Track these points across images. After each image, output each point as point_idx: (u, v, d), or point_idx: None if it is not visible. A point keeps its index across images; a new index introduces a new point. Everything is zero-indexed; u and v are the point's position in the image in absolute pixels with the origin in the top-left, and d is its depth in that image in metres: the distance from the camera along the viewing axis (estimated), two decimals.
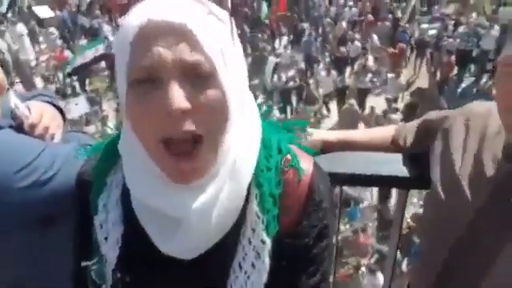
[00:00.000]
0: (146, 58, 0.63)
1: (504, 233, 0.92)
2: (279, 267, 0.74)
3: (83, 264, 0.80)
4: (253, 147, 0.76)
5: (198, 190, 0.70)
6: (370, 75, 10.73)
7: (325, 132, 1.35)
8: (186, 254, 0.72)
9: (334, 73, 11.24)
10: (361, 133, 1.35)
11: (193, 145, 0.66)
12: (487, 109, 1.07)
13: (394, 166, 1.21)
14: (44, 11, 16.30)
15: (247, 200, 0.74)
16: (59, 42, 14.38)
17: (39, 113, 1.09)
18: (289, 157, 0.78)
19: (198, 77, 0.64)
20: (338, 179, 1.21)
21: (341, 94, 10.81)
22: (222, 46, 0.67)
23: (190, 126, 0.64)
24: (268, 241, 0.73)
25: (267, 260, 0.73)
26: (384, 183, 1.35)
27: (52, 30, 14.76)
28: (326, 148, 1.27)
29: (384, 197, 7.29)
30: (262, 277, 0.73)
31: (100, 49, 11.86)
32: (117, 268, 0.77)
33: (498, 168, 0.96)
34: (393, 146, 1.26)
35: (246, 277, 0.73)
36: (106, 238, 0.78)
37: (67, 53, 12.45)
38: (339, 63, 12.13)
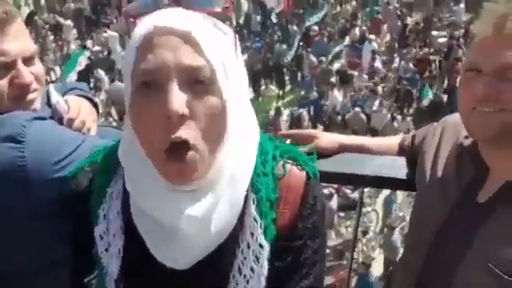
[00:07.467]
0: (150, 61, 0.66)
1: (468, 239, 0.92)
2: (273, 270, 0.75)
3: (84, 279, 0.81)
4: (250, 155, 0.77)
5: (193, 199, 0.71)
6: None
7: (342, 136, 1.36)
8: (181, 264, 0.73)
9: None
10: (372, 140, 1.38)
11: (186, 151, 0.67)
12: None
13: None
14: None
15: (245, 205, 0.75)
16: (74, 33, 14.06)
17: (77, 107, 1.12)
18: (283, 163, 0.80)
19: (199, 82, 0.66)
20: (362, 181, 1.24)
21: None
22: (224, 59, 0.69)
23: (184, 134, 0.65)
24: (266, 245, 0.74)
25: (266, 264, 0.74)
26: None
27: (68, 22, 14.43)
28: (341, 151, 1.28)
29: None
30: (261, 280, 0.74)
31: (82, 62, 10.94)
32: (119, 278, 0.77)
33: (465, 173, 0.99)
34: (400, 151, 1.28)
35: (246, 281, 0.74)
36: (106, 250, 0.78)
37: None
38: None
